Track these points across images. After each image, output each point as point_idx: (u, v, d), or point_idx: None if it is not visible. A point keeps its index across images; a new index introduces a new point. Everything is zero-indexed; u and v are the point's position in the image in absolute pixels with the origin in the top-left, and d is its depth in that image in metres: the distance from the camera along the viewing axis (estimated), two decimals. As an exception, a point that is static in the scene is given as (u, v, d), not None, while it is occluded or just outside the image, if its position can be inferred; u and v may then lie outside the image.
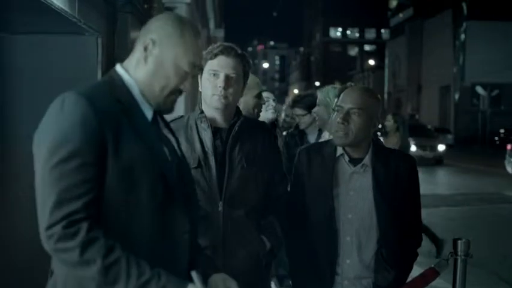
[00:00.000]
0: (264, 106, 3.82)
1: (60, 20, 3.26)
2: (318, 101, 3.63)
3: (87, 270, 1.46)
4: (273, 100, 4.27)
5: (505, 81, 33.12)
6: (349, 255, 2.45)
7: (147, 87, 1.66)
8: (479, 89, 33.27)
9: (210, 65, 2.40)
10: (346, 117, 2.38)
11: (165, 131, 1.78)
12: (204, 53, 2.42)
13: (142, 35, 1.71)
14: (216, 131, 2.40)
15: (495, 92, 33.13)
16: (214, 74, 2.38)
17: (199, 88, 2.47)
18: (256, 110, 3.18)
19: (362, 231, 2.44)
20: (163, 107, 1.70)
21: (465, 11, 35.87)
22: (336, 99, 2.56)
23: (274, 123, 4.27)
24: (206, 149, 2.36)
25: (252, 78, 2.99)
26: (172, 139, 1.78)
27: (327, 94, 3.57)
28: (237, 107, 2.51)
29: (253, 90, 3.09)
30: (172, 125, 2.39)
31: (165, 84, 1.66)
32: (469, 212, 10.90)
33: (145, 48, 1.66)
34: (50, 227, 1.46)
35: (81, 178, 1.48)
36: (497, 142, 30.18)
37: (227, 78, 2.37)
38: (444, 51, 38.31)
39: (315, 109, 3.68)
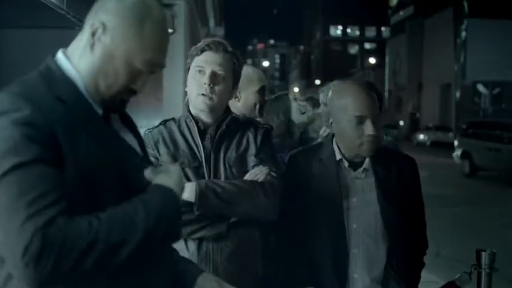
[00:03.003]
0: (297, 108, 3.54)
1: (49, 14, 3.15)
2: (322, 99, 3.44)
3: (96, 248, 1.17)
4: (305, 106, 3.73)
5: (506, 79, 32.98)
6: (356, 270, 2.23)
7: (91, 81, 1.37)
8: (481, 87, 33.22)
9: (196, 62, 2.22)
10: (376, 127, 2.16)
11: (123, 130, 1.49)
12: (192, 49, 2.27)
13: (93, 14, 1.38)
14: (204, 129, 2.22)
15: (496, 90, 33.08)
16: (199, 71, 2.20)
17: (185, 87, 2.29)
18: (257, 107, 2.80)
19: (370, 242, 2.23)
20: (110, 106, 1.41)
21: (466, 9, 35.73)
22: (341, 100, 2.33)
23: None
24: (198, 150, 2.20)
25: (253, 71, 2.79)
26: (132, 138, 1.51)
27: None
28: (226, 106, 2.31)
29: (254, 84, 2.75)
30: (162, 128, 2.25)
31: (112, 81, 1.37)
32: None
33: (93, 34, 1.35)
34: (26, 249, 1.13)
35: (47, 187, 1.19)
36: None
37: (213, 75, 2.18)
38: (445, 49, 38.19)
39: (321, 108, 3.47)
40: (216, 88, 2.19)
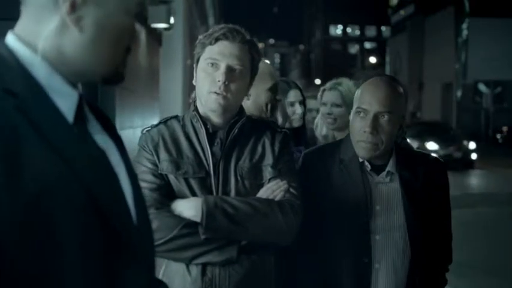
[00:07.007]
0: (289, 111, 3.14)
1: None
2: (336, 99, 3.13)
3: None
4: (300, 103, 3.24)
5: (508, 78, 32.75)
6: (378, 287, 1.98)
7: (85, 64, 1.07)
8: (482, 87, 32.98)
9: (209, 52, 1.90)
10: (375, 125, 1.92)
11: (98, 132, 1.14)
12: (201, 36, 1.94)
13: None
14: (213, 132, 1.92)
15: (498, 90, 32.83)
16: (212, 64, 1.88)
17: (193, 81, 1.97)
18: (269, 106, 2.47)
19: (394, 255, 1.98)
20: (115, 78, 1.14)
21: (467, 8, 35.50)
22: (356, 93, 2.07)
23: (299, 131, 3.25)
24: (206, 157, 1.90)
25: (265, 66, 2.41)
26: (110, 143, 1.16)
27: (349, 91, 3.05)
28: (240, 106, 2.01)
29: (266, 81, 2.41)
30: (162, 128, 1.93)
31: (115, 50, 1.11)
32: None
33: (73, 8, 1.05)
34: None
35: None
36: (500, 140, 29.69)
37: (229, 70, 1.87)
38: (446, 48, 37.97)
39: (335, 110, 3.14)
40: (232, 86, 1.88)
